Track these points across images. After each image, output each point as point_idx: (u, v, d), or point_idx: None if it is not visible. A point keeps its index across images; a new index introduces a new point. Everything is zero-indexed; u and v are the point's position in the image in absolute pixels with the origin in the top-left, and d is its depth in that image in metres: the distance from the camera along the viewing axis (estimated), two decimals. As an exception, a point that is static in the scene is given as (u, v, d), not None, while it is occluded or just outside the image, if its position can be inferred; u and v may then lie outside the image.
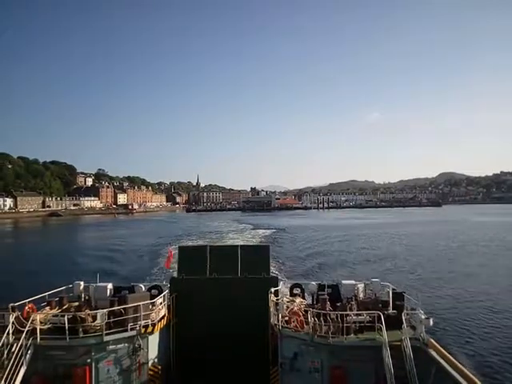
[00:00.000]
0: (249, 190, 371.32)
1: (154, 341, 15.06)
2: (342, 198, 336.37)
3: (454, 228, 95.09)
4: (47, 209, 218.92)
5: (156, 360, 15.18)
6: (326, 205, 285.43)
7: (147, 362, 14.57)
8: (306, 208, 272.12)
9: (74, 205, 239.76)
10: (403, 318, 13.44)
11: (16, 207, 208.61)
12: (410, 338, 12.45)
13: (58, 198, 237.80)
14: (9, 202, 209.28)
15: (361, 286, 16.51)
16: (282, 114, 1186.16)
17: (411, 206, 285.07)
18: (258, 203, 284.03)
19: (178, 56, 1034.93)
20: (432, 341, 12.78)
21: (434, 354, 12.17)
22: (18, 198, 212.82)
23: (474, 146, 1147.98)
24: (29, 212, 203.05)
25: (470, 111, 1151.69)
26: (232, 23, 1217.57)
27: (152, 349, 14.89)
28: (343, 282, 17.23)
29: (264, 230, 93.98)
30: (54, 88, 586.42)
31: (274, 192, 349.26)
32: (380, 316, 13.09)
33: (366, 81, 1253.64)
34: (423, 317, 13.09)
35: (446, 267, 44.57)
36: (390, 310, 14.51)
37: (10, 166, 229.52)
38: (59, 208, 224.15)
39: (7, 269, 49.96)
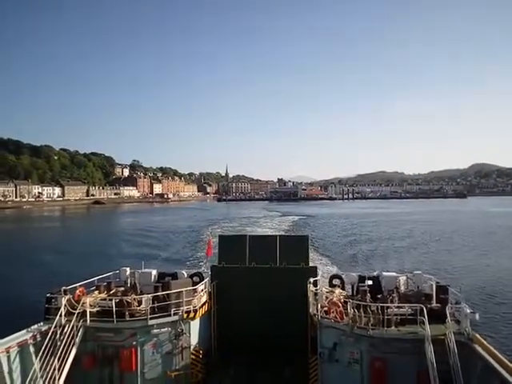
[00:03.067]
0: (276, 180, 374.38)
1: (195, 326, 15.25)
2: (367, 189, 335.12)
3: (456, 216, 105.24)
4: (91, 197, 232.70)
5: (198, 345, 15.35)
6: (351, 196, 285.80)
7: (189, 347, 14.79)
8: (331, 198, 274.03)
9: (115, 194, 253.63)
10: (447, 311, 13.04)
11: (63, 195, 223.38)
12: (454, 333, 12.03)
13: (100, 188, 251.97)
14: (57, 190, 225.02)
15: (402, 279, 16.08)
16: (308, 106, 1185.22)
17: (436, 197, 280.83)
18: (284, 193, 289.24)
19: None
20: (477, 336, 12.25)
21: (479, 349, 11.65)
22: (66, 187, 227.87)
23: (508, 138, 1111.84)
24: (75, 200, 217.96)
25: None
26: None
27: (194, 334, 15.08)
28: (384, 273, 16.77)
29: (291, 217, 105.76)
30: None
31: (301, 183, 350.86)
32: (423, 309, 12.66)
33: (396, 69, 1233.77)
34: (468, 311, 12.63)
35: (433, 244, 54.53)
36: (434, 304, 14.05)
37: (56, 158, 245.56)
38: (101, 197, 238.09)
39: (67, 250, 54.07)
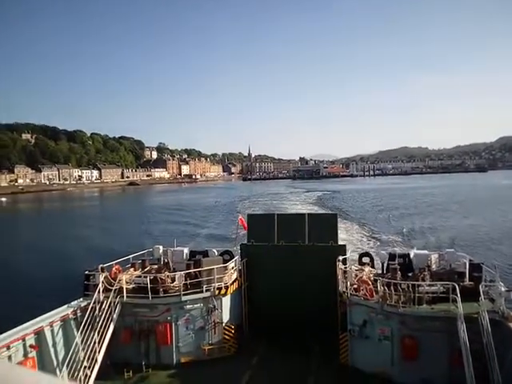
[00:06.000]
0: (297, 159, 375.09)
1: (226, 302, 15.42)
2: (389, 166, 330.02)
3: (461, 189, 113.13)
4: (126, 179, 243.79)
5: (229, 320, 15.52)
6: (372, 173, 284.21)
7: (221, 322, 15.05)
8: (352, 176, 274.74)
9: (147, 175, 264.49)
10: (481, 289, 12.52)
11: (101, 178, 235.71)
12: (487, 311, 11.52)
13: (133, 170, 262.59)
14: (95, 173, 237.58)
15: (434, 257, 15.56)
16: (330, 80, 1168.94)
17: (457, 171, 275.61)
18: (306, 172, 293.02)
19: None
20: None
21: None
22: (102, 170, 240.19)
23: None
24: (112, 182, 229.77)
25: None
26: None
27: (225, 310, 15.29)
28: (415, 251, 16.36)
29: (315, 192, 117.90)
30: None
31: (322, 161, 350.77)
32: (455, 287, 12.19)
33: (419, 40, 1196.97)
34: (503, 289, 12.14)
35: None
36: (467, 282, 13.55)
37: (90, 142, 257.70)
38: (135, 178, 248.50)
39: (111, 227, 58.92)
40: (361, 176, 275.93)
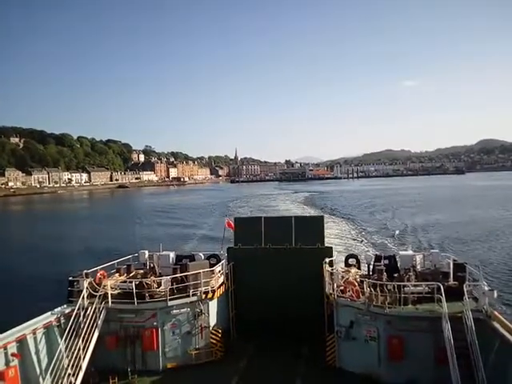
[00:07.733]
0: (283, 162, 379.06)
1: (213, 306, 15.10)
2: (372, 168, 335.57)
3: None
4: (115, 182, 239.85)
5: (216, 324, 15.20)
6: (355, 175, 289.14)
7: (208, 326, 14.69)
8: (336, 178, 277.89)
9: (136, 178, 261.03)
10: (465, 289, 12.53)
11: (90, 181, 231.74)
12: (471, 310, 11.48)
13: (122, 173, 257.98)
14: (84, 176, 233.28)
15: (419, 257, 15.55)
16: (317, 80, 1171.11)
17: (436, 174, 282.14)
18: (293, 174, 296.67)
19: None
20: (496, 313, 11.71)
21: (497, 326, 11.10)
22: (92, 173, 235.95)
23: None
24: (102, 185, 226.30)
25: None
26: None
27: (212, 314, 14.95)
28: (400, 252, 16.28)
29: (302, 193, 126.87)
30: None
31: (308, 164, 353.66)
32: (440, 287, 12.15)
33: (401, 47, 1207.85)
34: (486, 288, 12.18)
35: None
36: (451, 282, 13.54)
37: (78, 146, 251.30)
38: (124, 181, 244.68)
39: (107, 229, 59.14)
40: (345, 178, 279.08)
